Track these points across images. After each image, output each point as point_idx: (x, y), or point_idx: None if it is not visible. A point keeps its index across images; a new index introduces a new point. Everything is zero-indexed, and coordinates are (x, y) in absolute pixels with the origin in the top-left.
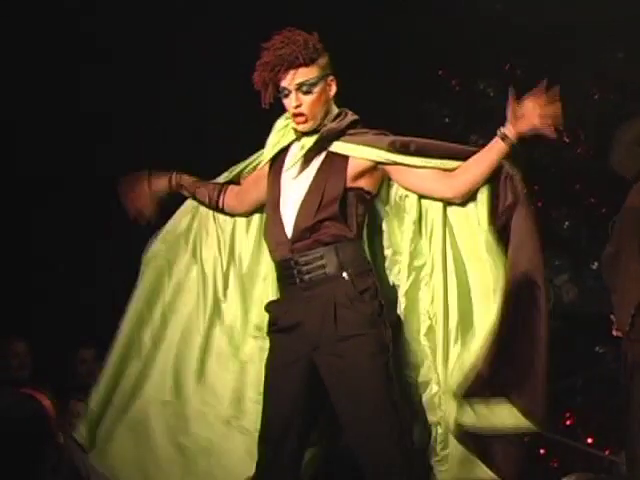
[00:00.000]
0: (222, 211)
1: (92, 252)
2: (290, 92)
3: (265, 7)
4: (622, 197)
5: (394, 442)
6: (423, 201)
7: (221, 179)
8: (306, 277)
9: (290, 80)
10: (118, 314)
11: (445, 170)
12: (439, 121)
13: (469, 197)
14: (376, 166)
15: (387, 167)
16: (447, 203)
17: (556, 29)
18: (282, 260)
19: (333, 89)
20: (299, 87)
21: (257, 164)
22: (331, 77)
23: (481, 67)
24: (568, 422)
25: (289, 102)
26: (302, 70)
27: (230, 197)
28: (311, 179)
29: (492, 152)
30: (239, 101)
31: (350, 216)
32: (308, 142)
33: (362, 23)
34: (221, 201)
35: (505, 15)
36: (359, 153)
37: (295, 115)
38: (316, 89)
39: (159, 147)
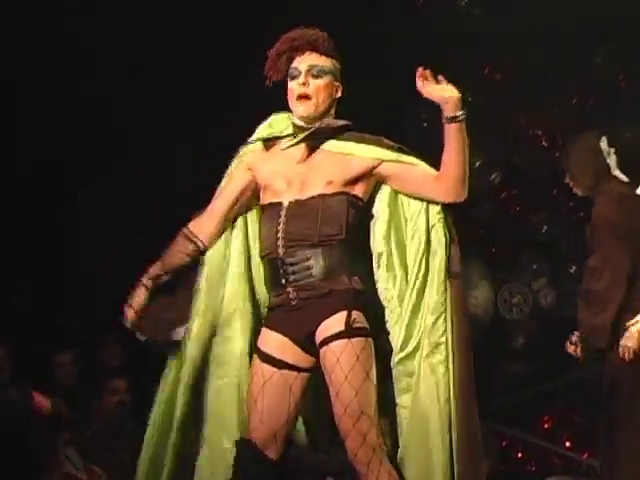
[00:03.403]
0: (203, 252)
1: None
2: (300, 73)
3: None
4: None
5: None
6: (424, 206)
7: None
8: (291, 277)
9: (304, 60)
10: (94, 318)
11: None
12: (418, 124)
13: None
14: (371, 172)
15: (384, 171)
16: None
17: (535, 33)
18: (271, 260)
19: (338, 93)
20: (310, 69)
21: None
22: (338, 83)
23: (460, 70)
24: (546, 425)
25: (295, 83)
26: (317, 55)
27: (206, 229)
28: None
29: (450, 139)
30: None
31: (340, 219)
32: (301, 135)
33: (341, 25)
34: (199, 242)
35: (484, 18)
36: (357, 151)
37: (299, 97)
38: (326, 77)
39: None
